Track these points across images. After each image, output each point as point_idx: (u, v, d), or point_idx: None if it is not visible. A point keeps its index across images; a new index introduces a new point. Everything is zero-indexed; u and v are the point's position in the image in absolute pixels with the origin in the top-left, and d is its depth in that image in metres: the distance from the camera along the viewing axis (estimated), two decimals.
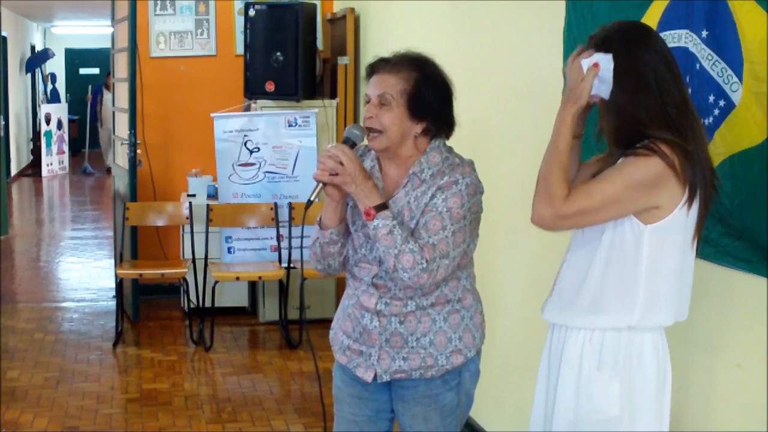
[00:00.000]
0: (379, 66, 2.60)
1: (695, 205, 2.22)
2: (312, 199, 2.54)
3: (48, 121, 14.77)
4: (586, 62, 2.25)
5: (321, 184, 2.53)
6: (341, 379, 2.79)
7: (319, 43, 6.77)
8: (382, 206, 2.49)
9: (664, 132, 2.17)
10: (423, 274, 2.46)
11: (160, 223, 6.34)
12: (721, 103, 2.41)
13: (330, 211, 2.60)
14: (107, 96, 14.04)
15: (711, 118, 2.43)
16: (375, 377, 2.67)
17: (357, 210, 2.62)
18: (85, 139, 16.24)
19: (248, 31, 6.34)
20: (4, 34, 11.82)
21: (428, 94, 2.55)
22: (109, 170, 13.93)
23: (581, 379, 2.30)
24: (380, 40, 6.00)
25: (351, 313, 2.69)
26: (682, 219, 2.20)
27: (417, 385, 2.66)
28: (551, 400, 2.41)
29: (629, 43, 2.22)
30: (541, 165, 2.29)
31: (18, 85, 15.36)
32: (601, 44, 2.26)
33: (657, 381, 2.28)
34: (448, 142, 2.67)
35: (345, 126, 6.35)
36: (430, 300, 2.59)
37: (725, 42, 2.40)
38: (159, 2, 7.00)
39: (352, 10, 6.38)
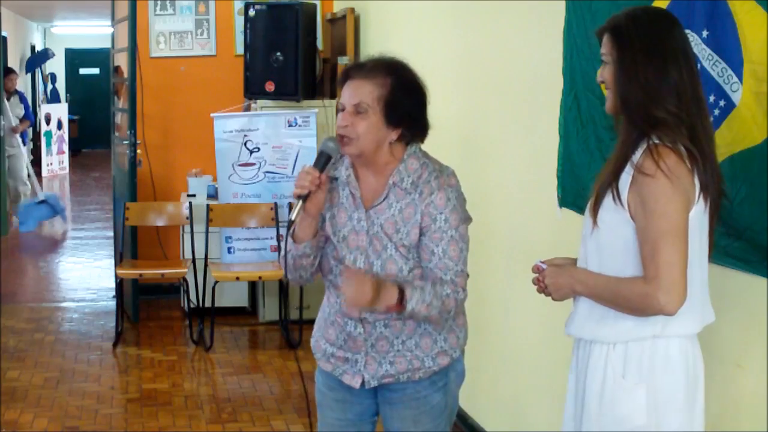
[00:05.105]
0: (354, 72, 2.56)
1: (707, 209, 2.20)
2: (293, 218, 2.51)
3: (48, 121, 14.76)
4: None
5: (301, 202, 2.50)
6: (324, 384, 2.78)
7: (319, 43, 6.77)
8: (401, 292, 2.44)
9: (673, 126, 2.14)
10: (463, 300, 2.56)
11: (160, 223, 6.34)
12: (721, 103, 2.42)
13: (305, 225, 2.56)
14: (5, 105, 9.89)
15: (711, 118, 2.43)
16: (363, 383, 2.66)
17: (335, 221, 2.60)
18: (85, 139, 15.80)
19: (248, 31, 6.34)
20: (4, 34, 11.80)
21: (404, 100, 2.53)
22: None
23: (605, 389, 2.26)
24: (380, 40, 5.99)
25: (334, 321, 2.67)
26: (695, 222, 2.18)
27: (405, 387, 2.66)
28: (579, 417, 2.37)
29: (644, 31, 2.19)
30: (604, 297, 2.26)
31: (18, 85, 15.35)
32: (614, 30, 2.23)
33: (686, 388, 2.23)
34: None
35: None
36: None
37: (725, 42, 2.40)
38: (159, 2, 7.00)
39: (352, 10, 6.38)
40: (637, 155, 2.16)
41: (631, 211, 2.18)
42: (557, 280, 2.35)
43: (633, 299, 2.17)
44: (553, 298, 2.38)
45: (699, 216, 2.19)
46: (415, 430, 2.69)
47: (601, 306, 2.27)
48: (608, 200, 2.22)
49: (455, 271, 2.52)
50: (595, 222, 2.26)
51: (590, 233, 2.30)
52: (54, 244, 9.66)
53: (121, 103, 6.99)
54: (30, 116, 11.16)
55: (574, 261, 2.42)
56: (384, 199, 2.56)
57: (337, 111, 2.58)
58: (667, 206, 2.11)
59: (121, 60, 6.74)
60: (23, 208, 9.94)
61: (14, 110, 10.47)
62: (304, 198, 2.50)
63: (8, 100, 10.29)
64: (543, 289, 2.40)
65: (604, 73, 2.27)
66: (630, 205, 2.18)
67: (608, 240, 2.25)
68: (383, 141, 2.54)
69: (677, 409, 2.23)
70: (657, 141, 2.14)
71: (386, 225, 2.54)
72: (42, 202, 9.94)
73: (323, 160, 2.53)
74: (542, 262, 2.42)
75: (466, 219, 2.58)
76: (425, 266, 2.54)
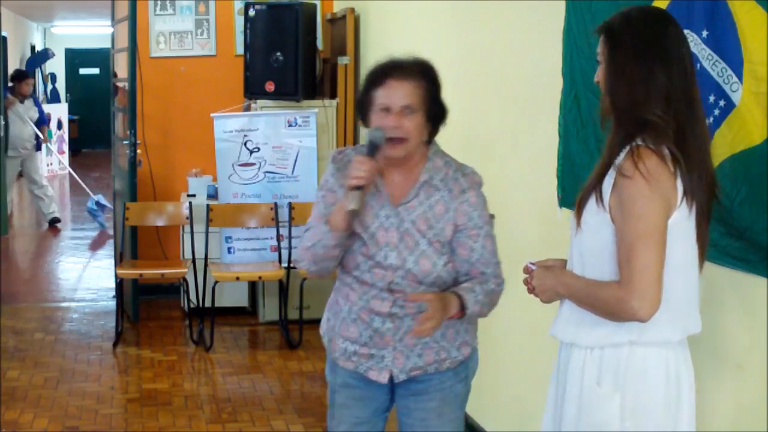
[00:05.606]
0: (395, 72, 2.57)
1: (691, 215, 2.17)
2: (356, 208, 2.51)
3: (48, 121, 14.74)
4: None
5: (360, 192, 2.51)
6: (341, 384, 2.79)
7: (319, 43, 6.77)
8: (460, 299, 2.54)
9: (660, 129, 2.12)
10: (503, 289, 2.72)
11: (160, 223, 6.34)
12: (721, 103, 2.41)
13: (342, 215, 2.55)
14: (18, 109, 10.06)
15: (711, 118, 2.43)
16: (391, 378, 2.67)
17: (363, 217, 2.61)
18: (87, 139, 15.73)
19: (248, 31, 6.35)
20: (4, 34, 11.77)
21: (437, 100, 2.61)
22: (54, 219, 10.34)
23: (583, 395, 2.26)
24: (380, 40, 6.00)
25: (356, 319, 2.68)
26: (679, 228, 2.15)
27: (431, 378, 2.69)
28: (558, 418, 2.38)
29: (635, 32, 2.17)
30: (583, 300, 2.26)
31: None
32: (607, 31, 2.22)
33: (665, 395, 2.20)
34: (441, 143, 2.73)
35: (345, 126, 6.36)
36: None
37: (725, 42, 2.40)
38: (159, 2, 7.00)
39: (352, 10, 6.38)
40: (621, 157, 2.15)
41: (611, 214, 2.17)
42: (544, 281, 2.36)
43: (609, 302, 2.16)
44: (541, 300, 2.39)
45: (682, 222, 2.16)
46: (438, 421, 2.72)
47: (581, 310, 2.27)
48: (591, 202, 2.21)
49: (494, 263, 2.66)
50: (578, 224, 2.26)
51: (574, 235, 2.30)
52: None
53: (119, 101, 6.98)
54: (44, 120, 10.95)
55: (566, 263, 2.42)
56: (414, 197, 2.60)
57: (367, 111, 2.57)
58: (644, 208, 2.09)
59: (121, 60, 6.74)
60: (94, 212, 10.26)
61: (28, 113, 10.29)
62: (361, 187, 2.51)
63: (22, 103, 10.21)
64: (531, 290, 2.41)
65: (599, 74, 2.27)
66: (611, 207, 2.16)
67: (590, 242, 2.24)
68: (422, 140, 2.61)
69: (656, 416, 2.20)
70: (640, 143, 2.13)
71: (418, 222, 2.59)
72: (97, 202, 10.26)
73: (373, 150, 2.54)
74: (532, 263, 2.43)
75: (490, 214, 2.69)
76: (464, 261, 2.62)
